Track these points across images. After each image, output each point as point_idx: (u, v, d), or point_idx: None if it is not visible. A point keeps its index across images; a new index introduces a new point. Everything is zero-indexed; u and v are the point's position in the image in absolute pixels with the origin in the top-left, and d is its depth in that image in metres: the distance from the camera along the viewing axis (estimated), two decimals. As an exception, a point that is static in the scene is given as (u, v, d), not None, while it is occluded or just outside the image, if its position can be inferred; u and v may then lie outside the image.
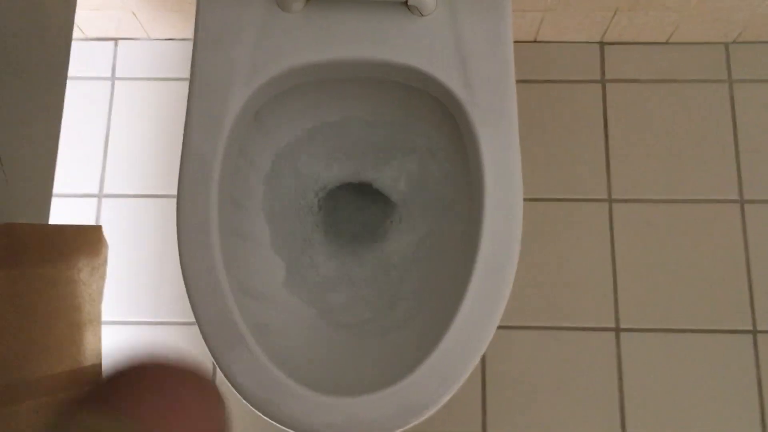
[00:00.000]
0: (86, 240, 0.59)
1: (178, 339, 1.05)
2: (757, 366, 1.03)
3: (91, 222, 1.10)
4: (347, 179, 0.81)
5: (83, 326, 0.59)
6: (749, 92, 1.13)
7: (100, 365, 0.61)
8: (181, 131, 1.15)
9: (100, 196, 1.12)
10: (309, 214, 0.80)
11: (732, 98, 1.13)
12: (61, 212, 1.10)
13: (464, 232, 0.68)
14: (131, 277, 1.08)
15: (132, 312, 1.06)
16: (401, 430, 0.61)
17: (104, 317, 1.07)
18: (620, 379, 1.03)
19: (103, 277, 0.61)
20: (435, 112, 0.72)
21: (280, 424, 0.59)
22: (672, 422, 1.01)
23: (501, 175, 0.64)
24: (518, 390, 1.03)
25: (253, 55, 0.67)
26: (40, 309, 0.54)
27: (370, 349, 0.69)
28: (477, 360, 0.63)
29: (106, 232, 1.09)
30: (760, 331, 1.04)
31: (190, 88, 0.67)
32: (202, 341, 0.65)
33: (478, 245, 0.63)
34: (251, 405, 0.60)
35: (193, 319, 0.66)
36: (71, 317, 0.58)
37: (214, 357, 0.61)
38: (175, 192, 1.12)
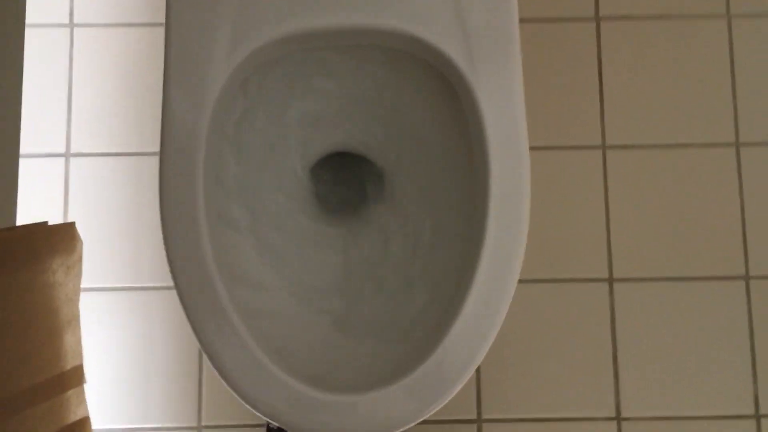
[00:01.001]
0: (59, 239, 0.54)
1: (159, 304, 1.02)
2: (749, 312, 1.03)
3: (60, 184, 1.04)
4: (336, 148, 0.76)
5: (62, 329, 0.55)
6: (748, 28, 1.08)
7: (81, 366, 0.57)
8: (150, 82, 1.08)
9: (67, 155, 1.05)
10: (297, 187, 0.75)
11: (730, 35, 1.08)
12: (28, 174, 1.04)
13: (467, 203, 0.64)
14: (107, 241, 1.03)
15: (110, 278, 1.02)
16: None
17: (83, 284, 1.03)
18: (613, 329, 1.02)
19: (79, 275, 0.57)
20: (431, 80, 0.66)
21: (288, 428, 0.56)
22: (664, 370, 1.01)
23: (507, 157, 0.59)
24: (510, 342, 1.02)
25: (235, 22, 0.60)
26: (15, 320, 0.50)
27: (375, 332, 0.66)
28: (498, 328, 0.60)
29: (77, 194, 1.04)
30: (753, 277, 1.03)
31: (165, 60, 0.61)
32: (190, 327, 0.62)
33: (486, 219, 0.59)
34: (247, 404, 0.57)
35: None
36: (49, 322, 0.54)
37: (205, 351, 0.58)
38: (148, 150, 1.06)
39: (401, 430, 0.56)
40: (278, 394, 0.55)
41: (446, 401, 0.57)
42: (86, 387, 0.97)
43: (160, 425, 0.99)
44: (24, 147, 1.04)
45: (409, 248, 0.71)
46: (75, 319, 0.57)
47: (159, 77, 1.11)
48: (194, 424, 0.99)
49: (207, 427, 0.99)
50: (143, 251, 1.03)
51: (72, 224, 0.54)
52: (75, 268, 0.57)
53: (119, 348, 1.00)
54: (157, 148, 1.06)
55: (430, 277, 0.67)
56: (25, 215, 1.02)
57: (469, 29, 0.61)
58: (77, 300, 0.58)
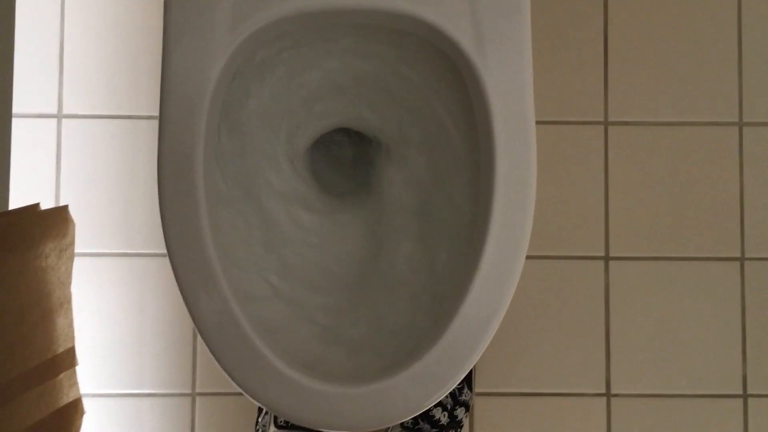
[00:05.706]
0: (52, 223, 0.53)
1: (154, 270, 1.01)
2: (743, 293, 1.03)
3: (52, 146, 1.02)
4: (338, 124, 0.74)
5: (54, 312, 0.54)
6: (757, 5, 1.05)
7: (73, 348, 0.57)
8: (146, 43, 1.05)
9: (59, 116, 1.03)
10: (298, 166, 0.73)
11: (739, 13, 1.05)
12: (19, 135, 1.02)
13: (472, 185, 0.63)
14: (99, 204, 1.01)
15: (103, 243, 1.01)
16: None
17: (76, 249, 1.01)
18: (607, 307, 1.02)
19: (71, 258, 0.55)
20: (439, 65, 0.64)
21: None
22: (655, 348, 1.02)
23: (513, 154, 0.58)
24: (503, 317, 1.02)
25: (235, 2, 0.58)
26: (8, 307, 0.49)
27: (376, 315, 0.65)
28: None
29: (69, 156, 1.02)
30: (748, 259, 1.03)
31: (164, 43, 0.58)
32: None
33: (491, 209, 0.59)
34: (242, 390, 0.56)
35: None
36: (42, 306, 0.53)
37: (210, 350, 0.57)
38: (143, 113, 1.04)
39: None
40: (275, 384, 0.55)
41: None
42: (80, 354, 0.97)
43: (154, 391, 0.99)
44: (15, 107, 1.02)
45: (413, 215, 0.70)
46: (67, 301, 0.57)
47: (155, 37, 1.08)
48: (188, 391, 1.00)
49: (201, 394, 1.00)
50: (137, 217, 1.02)
51: (65, 207, 0.53)
52: (67, 251, 0.56)
53: (113, 314, 1.00)
54: (151, 111, 1.04)
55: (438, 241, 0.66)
56: (16, 178, 1.00)
57: (479, 11, 0.59)
58: (69, 283, 0.57)
